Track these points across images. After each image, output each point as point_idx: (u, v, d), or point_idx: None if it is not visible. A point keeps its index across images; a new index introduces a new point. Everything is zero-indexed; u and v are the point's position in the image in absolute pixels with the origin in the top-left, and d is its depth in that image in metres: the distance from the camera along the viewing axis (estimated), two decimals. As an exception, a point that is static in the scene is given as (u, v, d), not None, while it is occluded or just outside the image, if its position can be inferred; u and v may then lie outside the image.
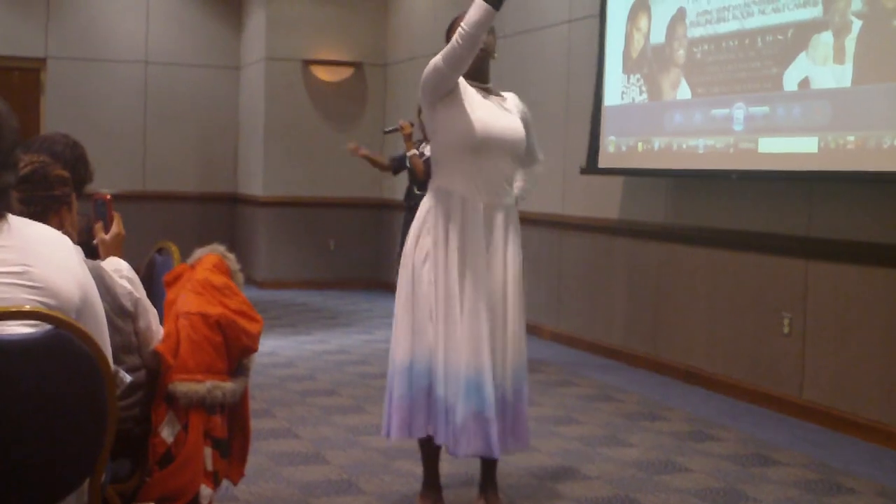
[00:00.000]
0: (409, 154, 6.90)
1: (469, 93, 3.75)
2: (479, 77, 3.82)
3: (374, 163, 7.77)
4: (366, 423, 5.25)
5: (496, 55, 3.88)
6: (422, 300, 3.68)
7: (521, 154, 3.85)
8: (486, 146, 3.68)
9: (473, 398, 3.59)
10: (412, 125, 6.91)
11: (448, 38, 3.72)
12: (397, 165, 7.39)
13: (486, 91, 3.83)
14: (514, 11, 8.43)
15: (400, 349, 3.72)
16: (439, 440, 3.69)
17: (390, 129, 7.41)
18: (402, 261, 3.80)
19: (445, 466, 4.53)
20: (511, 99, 3.94)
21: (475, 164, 3.68)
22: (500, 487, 4.10)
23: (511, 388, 3.75)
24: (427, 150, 6.73)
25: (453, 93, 3.70)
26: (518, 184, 3.94)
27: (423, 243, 3.71)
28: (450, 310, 3.63)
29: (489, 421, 3.59)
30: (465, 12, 3.64)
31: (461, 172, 3.70)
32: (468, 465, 4.33)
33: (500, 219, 3.73)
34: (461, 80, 3.73)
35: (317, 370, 6.65)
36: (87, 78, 10.98)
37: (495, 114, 3.76)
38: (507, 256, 3.75)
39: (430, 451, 3.87)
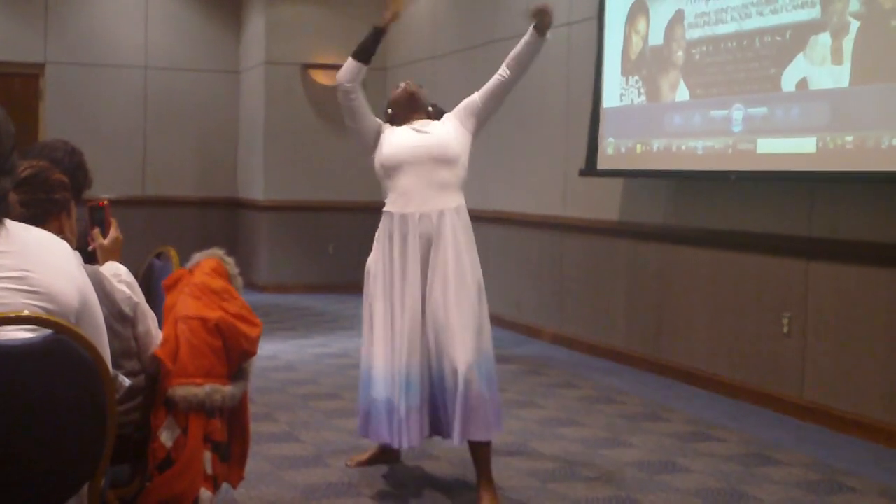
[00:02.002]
0: None
1: (391, 131, 4.30)
2: (411, 113, 4.34)
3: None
4: (367, 426, 5.24)
5: (431, 107, 4.40)
6: (367, 312, 4.23)
7: (450, 159, 4.17)
8: (401, 164, 4.17)
9: (404, 394, 4.03)
10: None
11: (385, 112, 4.44)
12: None
13: (416, 123, 4.29)
14: (512, 15, 8.44)
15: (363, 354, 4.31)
16: (386, 440, 4.16)
17: None
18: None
19: (445, 467, 4.54)
20: (446, 116, 4.35)
21: (401, 182, 4.17)
22: (502, 489, 4.10)
23: (462, 379, 3.93)
24: None
25: (378, 137, 4.30)
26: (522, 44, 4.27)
27: (371, 259, 4.27)
28: (383, 319, 4.13)
29: (418, 412, 4.06)
30: (393, 95, 4.45)
31: (395, 193, 4.21)
32: (466, 467, 4.33)
33: (434, 223, 4.10)
34: (386, 126, 4.35)
35: (318, 374, 6.65)
36: (86, 83, 10.99)
37: (410, 136, 4.22)
38: (448, 260, 4.07)
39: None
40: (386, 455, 4.55)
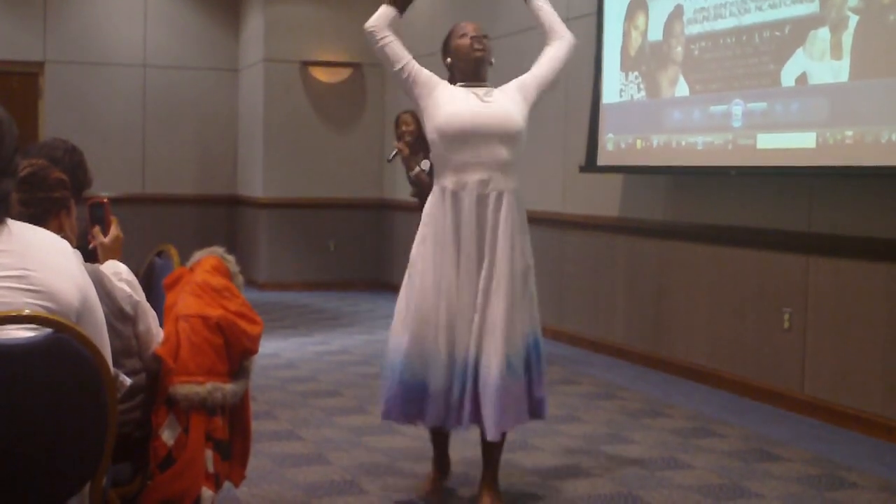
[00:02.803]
0: (412, 174, 6.59)
1: (449, 90, 3.92)
2: (474, 78, 3.96)
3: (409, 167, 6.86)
4: (368, 423, 5.25)
5: (493, 60, 4.03)
6: (413, 292, 3.89)
7: (515, 136, 3.88)
8: (464, 136, 3.82)
9: (459, 378, 3.80)
10: (407, 143, 6.66)
11: (444, 56, 4.03)
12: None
13: (480, 90, 3.93)
14: (511, 10, 8.43)
15: (396, 336, 3.96)
16: (433, 423, 3.90)
17: (391, 156, 7.04)
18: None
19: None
20: (507, 87, 3.99)
21: (460, 155, 3.83)
22: (501, 486, 4.10)
23: (501, 365, 3.77)
24: (427, 165, 6.67)
25: (431, 89, 3.92)
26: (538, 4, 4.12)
27: (418, 239, 3.93)
28: (430, 301, 3.83)
29: (469, 395, 3.80)
30: (457, 26, 4.04)
31: (450, 167, 3.86)
32: (468, 465, 4.33)
33: (491, 206, 3.82)
34: (442, 81, 3.94)
35: (319, 371, 6.65)
36: (85, 82, 10.99)
37: (474, 105, 3.86)
38: (498, 245, 3.82)
39: (436, 435, 4.13)
40: (443, 463, 4.22)
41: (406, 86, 3.97)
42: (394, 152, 6.84)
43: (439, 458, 4.20)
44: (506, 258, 3.83)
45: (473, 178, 3.82)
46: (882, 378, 5.18)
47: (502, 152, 3.85)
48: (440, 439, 4.17)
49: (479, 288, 3.82)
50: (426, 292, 3.85)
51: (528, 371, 3.89)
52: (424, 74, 3.96)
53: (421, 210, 4.03)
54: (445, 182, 3.86)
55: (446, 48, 4.02)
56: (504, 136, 3.85)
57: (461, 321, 3.82)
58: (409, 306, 3.90)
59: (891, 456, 4.85)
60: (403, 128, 6.73)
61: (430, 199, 3.93)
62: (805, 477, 4.48)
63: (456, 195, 3.83)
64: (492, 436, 3.80)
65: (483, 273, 3.83)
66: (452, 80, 4.01)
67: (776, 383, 5.82)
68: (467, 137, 3.82)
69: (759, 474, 4.51)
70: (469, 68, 3.95)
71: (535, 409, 3.96)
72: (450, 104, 3.86)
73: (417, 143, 6.51)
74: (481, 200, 3.82)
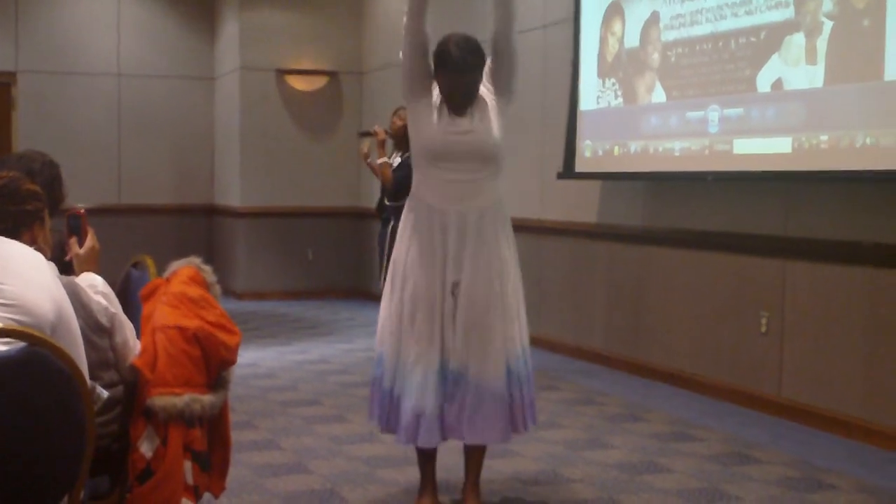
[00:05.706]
0: (379, 161, 6.70)
1: (437, 106, 3.87)
2: (456, 110, 3.87)
3: (375, 173, 7.27)
4: (348, 432, 5.23)
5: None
6: (392, 303, 3.92)
7: (491, 157, 3.87)
8: (444, 156, 3.83)
9: (416, 394, 3.78)
10: (386, 132, 6.82)
11: (433, 74, 3.88)
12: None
13: (460, 111, 3.87)
14: (489, 17, 8.43)
15: (379, 347, 3.97)
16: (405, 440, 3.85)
17: (364, 131, 7.24)
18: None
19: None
20: (480, 100, 3.90)
21: (439, 174, 3.85)
22: (483, 493, 4.10)
23: (474, 382, 3.78)
24: (397, 161, 6.69)
25: (424, 98, 3.87)
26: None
27: (397, 249, 3.96)
28: (408, 313, 3.85)
29: (431, 416, 3.78)
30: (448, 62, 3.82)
31: (428, 181, 3.89)
32: (449, 471, 4.33)
33: (471, 221, 3.83)
34: (435, 94, 3.86)
35: (298, 380, 6.63)
36: (59, 91, 10.93)
37: (456, 124, 3.84)
38: (481, 259, 3.83)
39: (424, 452, 4.00)
40: (431, 473, 4.07)
41: (406, 78, 3.92)
42: (369, 129, 6.96)
43: (429, 479, 4.03)
44: (494, 266, 3.85)
45: (451, 194, 3.84)
46: (859, 380, 5.20)
47: (483, 171, 3.86)
48: (428, 460, 4.03)
49: (467, 297, 3.81)
50: (407, 303, 3.85)
51: (524, 381, 3.91)
52: (427, 79, 3.88)
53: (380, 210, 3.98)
54: (423, 195, 3.89)
55: (437, 73, 3.89)
56: (478, 157, 3.85)
57: (447, 333, 3.82)
58: (390, 317, 3.91)
59: (868, 457, 4.87)
60: (397, 120, 6.72)
61: (406, 209, 3.95)
62: (784, 479, 4.50)
63: (431, 209, 3.85)
64: (476, 440, 3.83)
65: (471, 281, 3.82)
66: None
67: (754, 387, 5.84)
68: (448, 157, 3.83)
69: (738, 477, 4.52)
70: (453, 100, 3.86)
71: (531, 417, 3.96)
72: (436, 121, 3.85)
73: (402, 138, 6.58)
74: (461, 215, 3.83)
